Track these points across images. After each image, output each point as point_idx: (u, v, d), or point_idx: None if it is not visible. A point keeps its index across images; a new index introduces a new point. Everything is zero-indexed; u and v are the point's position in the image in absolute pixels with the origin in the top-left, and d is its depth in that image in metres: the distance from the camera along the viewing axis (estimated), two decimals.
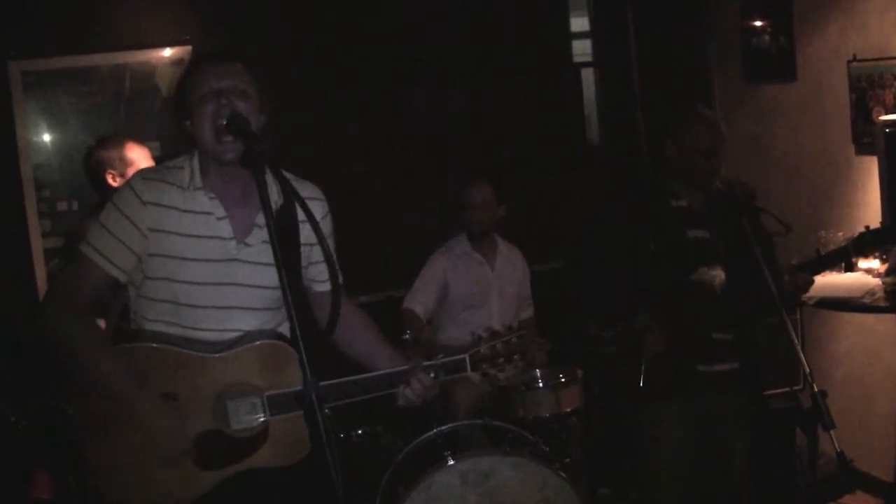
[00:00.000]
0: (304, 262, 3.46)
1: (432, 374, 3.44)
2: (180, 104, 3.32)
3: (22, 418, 4.89)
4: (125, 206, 3.25)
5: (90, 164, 5.18)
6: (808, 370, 3.87)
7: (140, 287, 3.31)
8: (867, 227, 4.43)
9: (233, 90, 3.23)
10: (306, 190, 3.38)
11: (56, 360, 3.24)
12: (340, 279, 3.50)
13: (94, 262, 3.24)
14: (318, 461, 2.80)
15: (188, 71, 3.36)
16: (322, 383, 2.90)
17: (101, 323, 4.08)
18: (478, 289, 5.93)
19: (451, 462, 4.69)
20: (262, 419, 3.27)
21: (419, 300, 5.90)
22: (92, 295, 3.28)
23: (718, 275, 4.45)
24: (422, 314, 5.86)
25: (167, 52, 6.67)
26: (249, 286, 3.34)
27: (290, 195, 3.15)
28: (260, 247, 3.34)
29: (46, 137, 6.62)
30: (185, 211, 3.28)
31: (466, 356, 3.48)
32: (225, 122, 3.17)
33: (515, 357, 3.53)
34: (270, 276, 3.33)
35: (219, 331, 3.32)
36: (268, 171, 3.06)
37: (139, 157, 5.14)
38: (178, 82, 3.36)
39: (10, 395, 5.09)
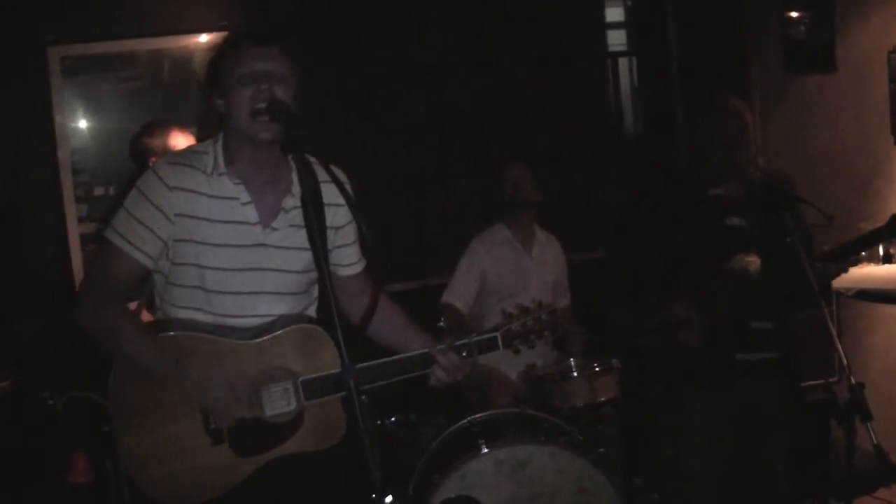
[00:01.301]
0: (329, 246, 3.45)
1: (464, 353, 3.44)
2: (215, 81, 3.30)
3: (61, 402, 4.91)
4: (151, 192, 3.25)
5: (135, 151, 5.18)
6: (845, 361, 3.85)
7: (168, 274, 3.31)
8: None
9: (273, 74, 3.22)
10: (335, 173, 3.37)
11: (94, 347, 3.25)
12: (364, 263, 3.55)
13: (122, 249, 3.24)
14: (355, 446, 2.80)
15: (226, 49, 3.33)
16: (357, 366, 2.90)
17: (132, 305, 4.10)
18: (516, 276, 5.92)
19: (486, 450, 4.69)
20: (296, 405, 3.27)
21: (458, 293, 5.89)
22: (122, 281, 3.29)
23: (754, 261, 4.43)
24: (462, 308, 5.85)
25: (204, 38, 6.68)
26: (277, 271, 3.34)
27: (316, 178, 3.16)
28: (286, 231, 3.35)
29: (84, 123, 6.62)
30: (210, 196, 3.28)
31: (498, 333, 3.49)
32: (264, 107, 3.16)
33: (546, 333, 3.54)
34: (297, 261, 3.35)
35: (248, 317, 3.32)
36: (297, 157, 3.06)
37: (184, 145, 5.13)
38: (214, 58, 3.34)
39: (49, 381, 5.12)
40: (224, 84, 3.26)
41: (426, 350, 3.44)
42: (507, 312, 3.55)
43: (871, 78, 6.24)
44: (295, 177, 3.34)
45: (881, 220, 5.37)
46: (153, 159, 5.00)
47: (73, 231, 6.53)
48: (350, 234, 3.54)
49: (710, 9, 7.55)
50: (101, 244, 3.36)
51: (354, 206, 3.10)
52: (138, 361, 3.20)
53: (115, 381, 3.25)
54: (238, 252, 3.29)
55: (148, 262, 3.27)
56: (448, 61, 7.19)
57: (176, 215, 3.24)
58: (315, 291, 3.50)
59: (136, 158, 5.18)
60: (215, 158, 3.31)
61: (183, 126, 5.28)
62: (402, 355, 3.44)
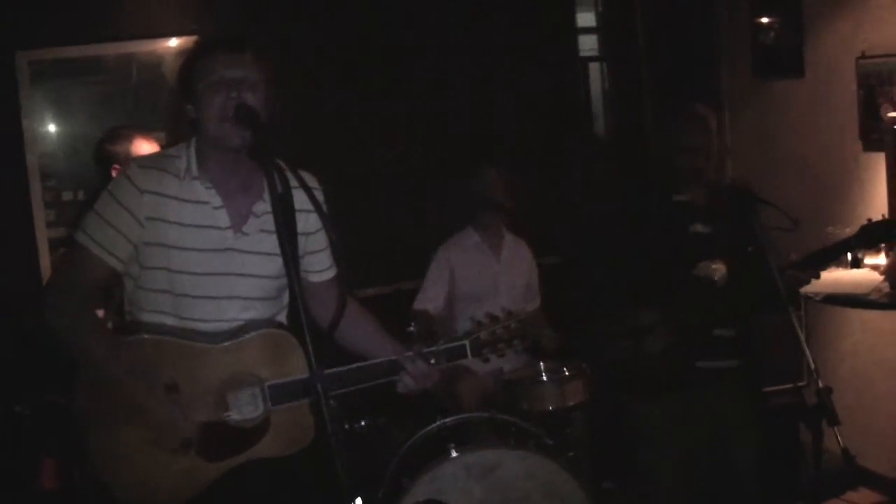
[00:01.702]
0: (300, 252, 3.44)
1: (433, 361, 3.44)
2: (185, 87, 3.28)
3: (28, 408, 4.89)
4: (121, 195, 3.23)
5: (98, 157, 5.17)
6: (813, 366, 3.87)
7: (137, 278, 3.29)
8: (869, 220, 4.42)
9: (243, 81, 3.20)
10: (305, 179, 3.35)
11: (60, 351, 3.23)
12: (336, 270, 3.56)
13: (91, 251, 3.22)
14: (323, 452, 2.80)
15: (197, 55, 3.31)
16: (325, 371, 2.90)
17: (100, 313, 4.08)
18: (485, 280, 5.91)
19: (455, 454, 4.69)
20: (263, 409, 3.26)
21: (429, 299, 5.87)
22: (91, 284, 3.27)
23: (720, 269, 4.44)
24: (433, 312, 5.84)
25: (174, 42, 6.67)
26: (246, 276, 3.33)
27: (287, 184, 3.16)
28: (257, 236, 3.34)
29: (52, 127, 6.61)
30: (181, 200, 3.26)
31: (467, 342, 3.48)
32: (232, 114, 3.15)
33: (515, 342, 3.53)
34: (267, 266, 3.34)
35: (217, 321, 3.30)
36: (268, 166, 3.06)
37: (147, 151, 5.11)
38: (184, 63, 3.32)
39: (16, 386, 5.10)
40: (194, 90, 3.24)
41: (394, 357, 3.43)
42: (476, 320, 3.54)
43: (839, 83, 6.27)
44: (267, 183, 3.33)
45: (849, 224, 5.42)
46: (116, 167, 4.98)
47: (42, 236, 6.52)
48: (321, 240, 3.53)
49: (680, 15, 7.59)
50: (70, 246, 3.34)
51: (324, 212, 3.09)
52: (102, 367, 3.18)
53: (81, 385, 3.23)
54: (208, 256, 3.28)
55: (117, 265, 3.25)
56: (420, 65, 7.21)
57: (147, 218, 3.22)
58: (285, 297, 3.48)
59: (99, 164, 5.16)
60: (188, 162, 3.30)
61: (147, 132, 5.28)
62: (369, 362, 3.43)
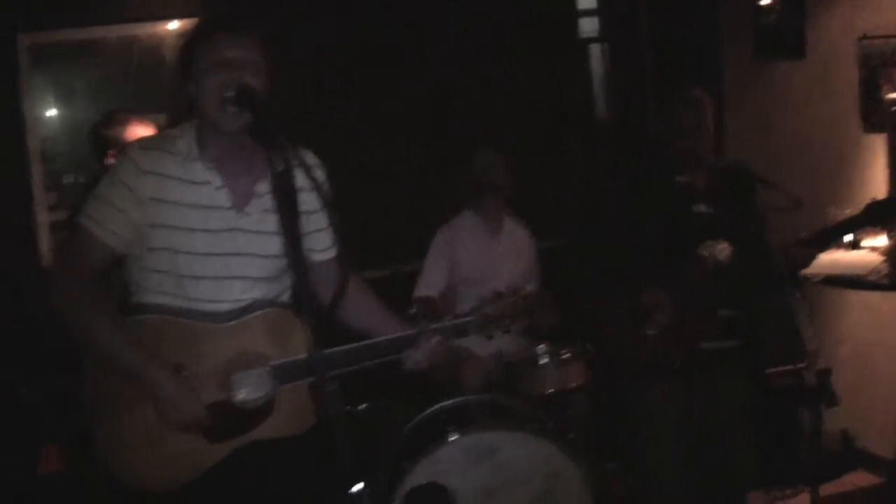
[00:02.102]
0: (302, 231, 3.44)
1: (439, 337, 3.45)
2: (186, 67, 3.28)
3: (31, 391, 4.90)
4: (124, 176, 3.24)
5: (93, 141, 5.14)
6: (813, 347, 3.87)
7: (142, 259, 3.30)
8: (874, 199, 4.43)
9: (243, 62, 3.20)
10: (305, 158, 3.35)
11: (66, 335, 3.24)
12: (338, 248, 3.56)
13: (94, 233, 3.23)
14: (325, 434, 2.81)
15: (198, 35, 3.32)
16: (329, 350, 2.90)
17: None
18: (485, 263, 5.90)
19: (456, 437, 4.70)
20: (268, 389, 3.27)
21: (429, 284, 5.86)
22: (96, 266, 3.27)
23: (725, 248, 4.44)
24: (435, 297, 5.85)
25: (175, 25, 6.66)
26: (250, 255, 3.34)
27: (289, 162, 3.16)
28: (259, 216, 3.35)
29: (53, 111, 6.61)
30: (183, 180, 3.27)
31: (473, 317, 3.50)
32: (233, 94, 3.15)
33: (522, 318, 3.54)
34: (271, 245, 3.35)
35: (221, 302, 3.31)
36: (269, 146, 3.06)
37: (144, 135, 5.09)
38: (186, 43, 3.32)
39: (18, 369, 5.11)
40: (195, 70, 3.24)
41: (402, 333, 3.45)
42: (483, 297, 3.57)
43: (840, 64, 6.26)
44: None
45: (850, 205, 5.42)
46: (112, 152, 4.96)
47: (43, 219, 6.52)
48: (322, 219, 3.53)
49: None
50: (73, 229, 3.35)
51: (323, 191, 3.10)
52: (108, 348, 3.19)
53: (90, 368, 3.25)
54: (212, 237, 3.29)
55: (120, 247, 3.26)
56: (418, 49, 7.19)
57: (149, 199, 3.23)
58: (288, 279, 3.48)
59: (94, 149, 5.14)
60: (189, 143, 3.30)
61: (144, 116, 5.24)
62: (375, 339, 3.44)
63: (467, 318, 3.50)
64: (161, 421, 3.20)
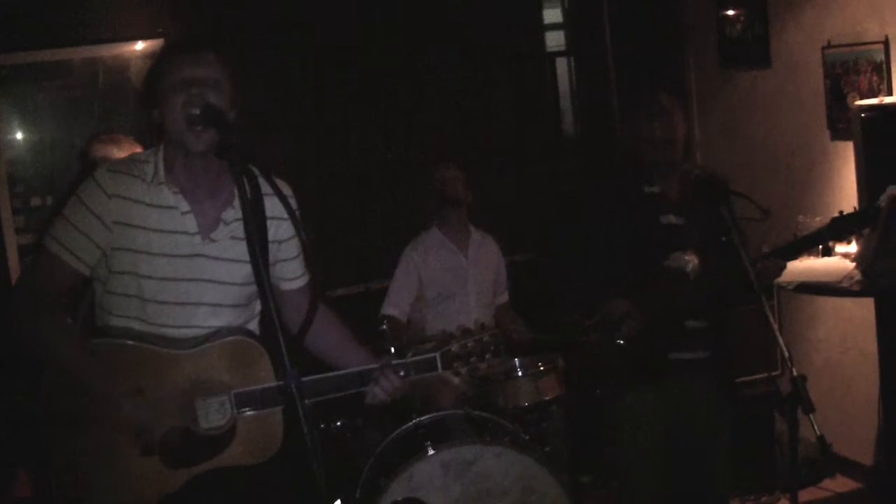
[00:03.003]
0: (271, 260, 3.40)
1: (402, 373, 3.42)
2: (150, 92, 3.25)
3: (3, 415, 4.85)
4: (89, 199, 3.20)
5: (82, 159, 5.03)
6: (787, 354, 3.87)
7: (106, 282, 3.26)
8: (841, 212, 4.44)
9: (205, 80, 3.17)
10: (277, 186, 3.33)
11: (26, 356, 3.21)
12: (308, 278, 3.54)
13: (58, 256, 3.19)
14: (299, 453, 2.78)
15: (160, 58, 3.30)
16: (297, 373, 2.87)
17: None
18: (452, 278, 5.91)
19: (432, 452, 4.70)
20: (230, 417, 3.23)
21: (395, 303, 5.88)
22: (58, 289, 3.23)
23: (692, 260, 4.44)
24: (401, 317, 5.85)
25: (140, 46, 6.63)
26: (214, 282, 3.30)
27: (258, 191, 3.14)
28: (226, 242, 3.31)
29: (19, 133, 6.57)
30: (149, 205, 3.23)
31: (437, 354, 3.43)
32: (198, 112, 3.13)
33: (488, 356, 3.49)
34: (237, 272, 3.32)
35: (185, 327, 3.28)
36: (237, 167, 3.04)
37: None
38: (150, 69, 3.31)
39: None
40: (158, 93, 3.22)
41: (363, 368, 3.40)
42: (448, 332, 3.52)
43: (805, 73, 6.29)
44: (237, 189, 3.31)
45: (819, 213, 5.45)
46: None
47: (11, 242, 6.48)
48: (293, 248, 3.50)
49: (646, 8, 7.60)
50: (37, 250, 3.31)
51: (297, 218, 3.07)
52: (68, 370, 3.16)
53: (46, 388, 3.20)
54: (175, 262, 3.25)
55: (84, 270, 3.22)
56: (388, 64, 7.19)
57: (114, 223, 3.20)
58: (256, 306, 3.46)
59: (83, 167, 5.03)
60: (156, 167, 3.27)
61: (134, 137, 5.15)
62: (339, 372, 3.40)
63: (432, 355, 3.45)
64: (120, 441, 3.17)
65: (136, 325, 3.25)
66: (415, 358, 3.44)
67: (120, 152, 4.88)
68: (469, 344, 3.46)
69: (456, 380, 5.61)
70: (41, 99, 6.57)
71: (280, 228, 3.42)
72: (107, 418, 3.16)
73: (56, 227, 3.23)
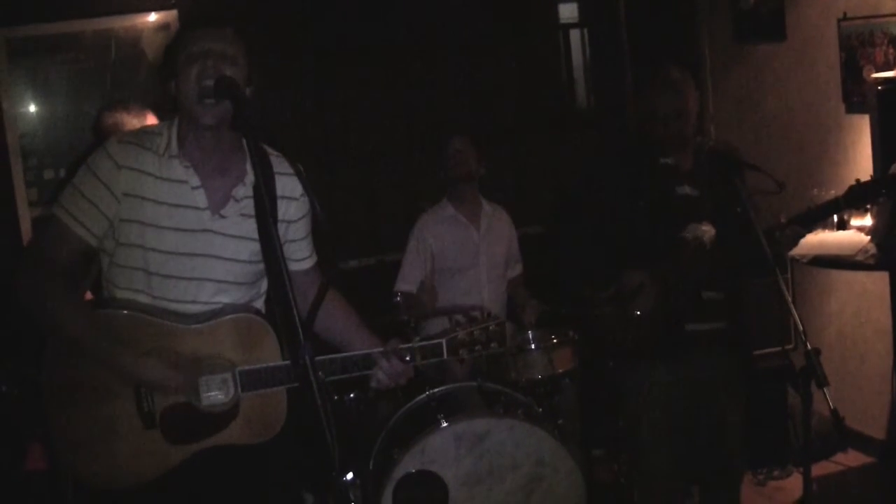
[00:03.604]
0: (280, 239, 3.40)
1: (408, 358, 3.41)
2: (168, 63, 3.26)
3: (15, 388, 4.86)
4: (99, 170, 3.20)
5: (106, 124, 4.98)
6: (801, 328, 3.86)
7: (112, 254, 3.26)
8: (858, 181, 4.41)
9: (222, 53, 3.18)
10: (285, 166, 3.33)
11: (35, 327, 3.20)
12: (315, 259, 3.56)
13: (67, 225, 3.19)
14: (311, 425, 2.78)
15: (178, 32, 3.32)
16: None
17: (87, 295, 4.03)
18: (464, 251, 5.89)
19: (445, 424, 4.70)
20: (233, 395, 3.23)
21: (408, 278, 5.86)
22: (67, 257, 3.22)
23: (709, 231, 4.44)
24: (413, 290, 5.83)
25: (152, 17, 6.61)
26: (221, 258, 3.30)
27: (270, 170, 3.12)
28: (235, 219, 3.30)
29: (32, 106, 6.56)
30: (160, 178, 3.23)
31: (443, 341, 3.44)
32: (211, 84, 3.12)
33: (493, 344, 3.50)
34: (244, 250, 3.32)
35: (190, 303, 3.28)
36: (250, 141, 3.04)
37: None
38: (168, 43, 3.31)
39: (2, 367, 5.07)
40: (175, 65, 3.22)
41: (369, 351, 3.39)
42: (455, 319, 3.52)
43: (820, 46, 6.26)
44: (248, 166, 3.30)
45: (833, 187, 5.42)
46: None
47: (24, 215, 6.49)
48: (302, 229, 3.52)
49: None
50: (47, 219, 3.31)
51: (311, 193, 3.05)
52: (73, 338, 3.16)
53: (48, 358, 3.20)
54: (183, 236, 3.25)
55: (91, 240, 3.22)
56: (399, 37, 7.17)
57: (123, 194, 3.19)
58: (263, 285, 3.46)
59: (96, 136, 4.99)
60: (168, 140, 3.27)
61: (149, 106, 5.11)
62: (344, 354, 3.39)
63: (437, 341, 3.45)
64: (122, 414, 3.17)
65: (141, 298, 3.25)
66: (420, 343, 3.44)
67: (131, 119, 4.86)
68: (475, 332, 3.47)
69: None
70: (53, 72, 6.56)
71: (290, 208, 3.42)
72: (110, 390, 3.17)
73: (66, 195, 3.23)
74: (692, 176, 4.53)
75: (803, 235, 4.35)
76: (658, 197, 4.49)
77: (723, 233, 4.43)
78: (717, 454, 4.65)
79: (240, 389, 3.23)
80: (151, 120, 4.91)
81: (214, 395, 3.22)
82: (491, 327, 3.49)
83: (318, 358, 3.22)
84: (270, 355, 3.25)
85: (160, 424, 3.20)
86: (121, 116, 4.89)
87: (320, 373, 2.97)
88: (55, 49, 6.55)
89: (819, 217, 4.43)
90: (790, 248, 4.43)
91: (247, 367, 3.23)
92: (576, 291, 4.77)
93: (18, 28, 6.41)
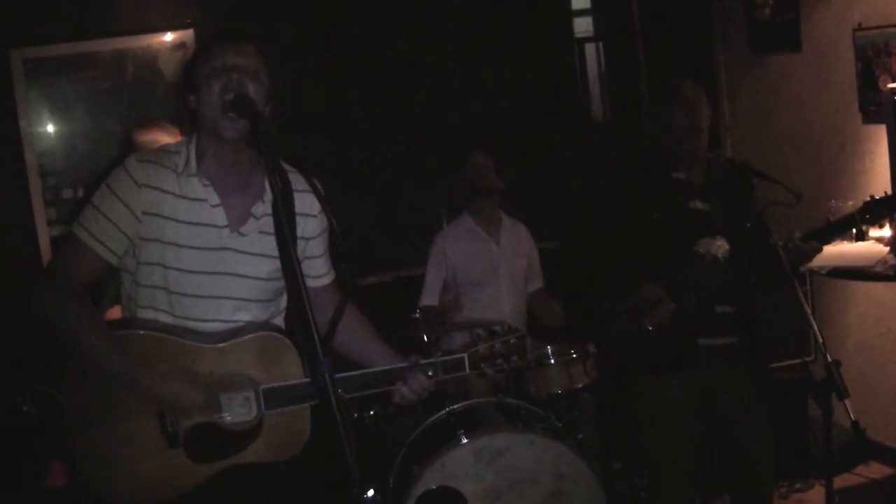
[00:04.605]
0: (299, 256, 3.38)
1: (430, 373, 3.42)
2: (188, 78, 3.27)
3: (35, 407, 4.88)
4: (119, 188, 3.20)
5: (140, 142, 4.95)
6: (820, 340, 3.85)
7: (134, 273, 3.26)
8: (872, 196, 4.41)
9: (244, 69, 3.19)
10: (302, 183, 3.28)
11: (52, 344, 3.19)
12: (333, 275, 3.56)
13: (87, 244, 3.19)
14: (332, 443, 2.78)
15: (201, 46, 3.33)
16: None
17: (117, 310, 4.04)
18: (484, 265, 5.90)
19: (465, 440, 4.69)
20: (256, 413, 3.23)
21: (432, 293, 5.87)
22: (86, 277, 3.23)
23: (722, 245, 4.43)
24: (439, 303, 5.83)
25: (169, 37, 6.64)
26: (240, 276, 3.29)
27: (289, 186, 3.13)
28: (255, 237, 3.31)
29: (49, 126, 6.60)
30: (179, 196, 3.23)
31: (465, 355, 3.45)
32: (232, 97, 3.13)
33: (514, 357, 3.51)
34: (263, 267, 3.32)
35: (210, 321, 3.28)
36: (268, 159, 3.04)
37: None
38: (190, 57, 3.33)
39: (23, 385, 5.09)
40: (196, 79, 3.23)
41: (391, 367, 3.41)
42: (476, 333, 3.53)
43: (836, 56, 6.25)
44: (267, 183, 3.30)
45: (851, 197, 5.41)
46: None
47: (43, 234, 6.51)
48: (320, 245, 3.52)
49: None
50: (66, 238, 3.31)
51: (328, 210, 3.06)
52: (95, 358, 3.16)
53: (70, 377, 3.19)
54: (202, 254, 3.25)
55: (112, 259, 3.22)
56: (417, 51, 7.20)
57: (143, 213, 3.20)
58: (282, 301, 3.46)
59: (124, 153, 4.98)
60: (187, 159, 3.27)
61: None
62: (367, 370, 3.40)
63: (459, 355, 3.46)
64: (145, 433, 3.17)
65: (163, 317, 3.26)
66: (442, 358, 3.45)
67: (166, 136, 4.83)
68: (496, 345, 3.48)
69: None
70: (71, 91, 6.60)
71: (308, 225, 3.43)
72: (133, 409, 3.16)
73: (85, 215, 3.23)
74: (705, 190, 4.54)
75: (819, 251, 4.35)
76: (671, 211, 4.49)
77: (737, 247, 4.43)
78: (745, 469, 4.64)
79: (263, 407, 3.24)
80: (167, 133, 4.92)
81: (236, 412, 3.22)
82: (512, 340, 3.50)
83: (340, 375, 3.24)
84: (293, 372, 3.25)
85: (184, 443, 3.20)
86: (157, 134, 4.88)
87: (340, 390, 2.98)
88: (73, 69, 6.59)
89: (834, 233, 4.43)
90: (808, 262, 4.43)
91: (270, 385, 3.24)
92: (593, 304, 4.76)
93: (36, 48, 6.45)
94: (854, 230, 5.50)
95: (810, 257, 4.39)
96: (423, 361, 3.42)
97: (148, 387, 3.15)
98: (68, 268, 3.25)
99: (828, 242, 4.43)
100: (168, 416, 3.19)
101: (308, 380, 3.22)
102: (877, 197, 4.38)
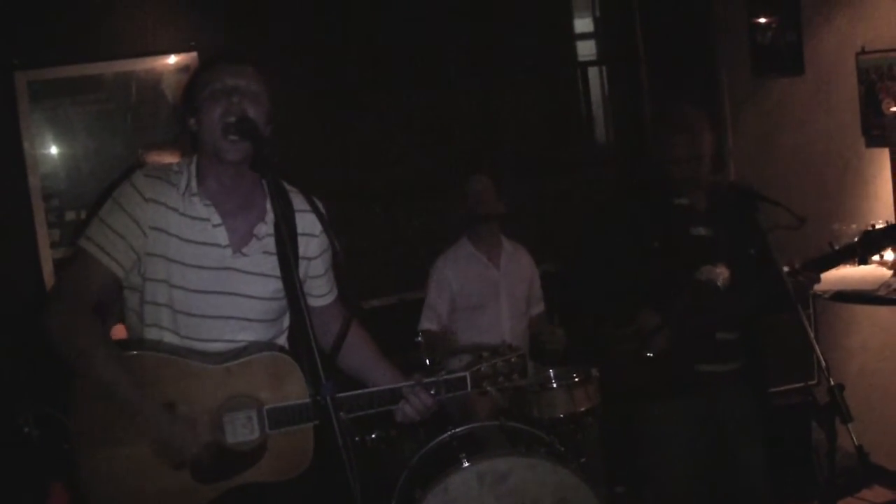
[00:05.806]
0: (301, 276, 3.41)
1: (433, 392, 3.42)
2: (189, 100, 3.27)
3: (36, 429, 4.87)
4: (126, 202, 3.21)
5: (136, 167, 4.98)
6: (824, 364, 3.84)
7: (141, 290, 3.26)
8: (873, 226, 4.40)
9: (246, 90, 3.20)
10: (303, 203, 3.31)
11: (59, 365, 3.19)
12: (336, 294, 3.56)
13: (95, 257, 3.19)
14: (334, 466, 2.77)
15: (201, 68, 3.34)
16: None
17: (120, 327, 4.04)
18: (484, 289, 5.89)
19: (467, 464, 4.68)
20: (260, 433, 3.23)
21: (431, 317, 5.87)
22: (94, 291, 3.23)
23: (723, 273, 4.43)
24: (437, 329, 5.83)
25: (172, 59, 6.65)
26: (244, 296, 3.30)
27: (290, 207, 3.12)
28: (257, 257, 3.31)
29: (53, 148, 6.59)
30: (183, 214, 3.25)
31: (467, 373, 3.47)
32: (234, 120, 3.14)
33: (515, 376, 3.52)
34: (265, 287, 3.32)
35: (215, 341, 3.28)
36: (270, 181, 3.05)
37: None
38: (190, 79, 3.32)
39: (24, 407, 5.08)
40: (197, 102, 3.23)
41: (395, 386, 3.41)
42: (478, 352, 3.55)
43: (839, 79, 6.26)
44: (269, 204, 3.30)
45: (854, 221, 5.41)
46: None
47: (46, 256, 6.50)
48: (322, 265, 3.53)
49: (677, 17, 7.58)
50: (73, 253, 3.31)
51: (330, 230, 3.06)
52: (100, 380, 3.14)
53: (75, 397, 3.19)
54: (205, 274, 3.26)
55: (119, 272, 3.21)
56: (420, 74, 7.20)
57: (150, 228, 3.21)
58: (286, 321, 3.46)
59: None
60: (188, 178, 3.28)
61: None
62: (370, 389, 3.41)
63: (462, 374, 3.47)
64: (155, 456, 3.17)
65: (168, 337, 3.26)
66: (445, 377, 3.45)
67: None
68: (498, 364, 3.50)
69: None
70: (75, 114, 6.60)
71: (310, 245, 3.43)
72: (137, 431, 3.16)
73: (92, 228, 3.23)
74: (707, 216, 4.53)
75: (818, 281, 4.35)
76: (672, 238, 4.48)
77: (738, 273, 4.42)
78: (744, 495, 4.62)
79: (267, 427, 3.23)
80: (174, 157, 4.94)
81: (239, 432, 3.22)
82: (513, 359, 3.51)
83: (344, 393, 3.26)
84: (298, 392, 3.25)
85: (189, 464, 3.19)
86: (168, 159, 4.91)
87: (342, 412, 2.97)
88: (76, 91, 6.58)
89: (833, 263, 4.41)
90: (807, 291, 4.43)
91: (274, 405, 3.24)
92: (595, 328, 4.76)
93: (40, 70, 6.45)
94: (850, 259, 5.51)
95: (809, 287, 4.39)
96: (426, 380, 3.42)
97: (148, 419, 3.15)
98: (77, 283, 3.25)
99: (826, 271, 4.42)
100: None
101: (310, 400, 3.22)
102: (877, 226, 4.37)
